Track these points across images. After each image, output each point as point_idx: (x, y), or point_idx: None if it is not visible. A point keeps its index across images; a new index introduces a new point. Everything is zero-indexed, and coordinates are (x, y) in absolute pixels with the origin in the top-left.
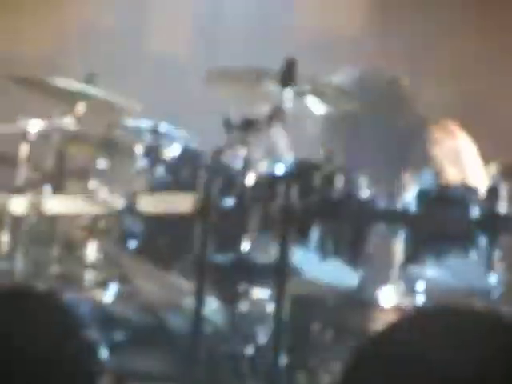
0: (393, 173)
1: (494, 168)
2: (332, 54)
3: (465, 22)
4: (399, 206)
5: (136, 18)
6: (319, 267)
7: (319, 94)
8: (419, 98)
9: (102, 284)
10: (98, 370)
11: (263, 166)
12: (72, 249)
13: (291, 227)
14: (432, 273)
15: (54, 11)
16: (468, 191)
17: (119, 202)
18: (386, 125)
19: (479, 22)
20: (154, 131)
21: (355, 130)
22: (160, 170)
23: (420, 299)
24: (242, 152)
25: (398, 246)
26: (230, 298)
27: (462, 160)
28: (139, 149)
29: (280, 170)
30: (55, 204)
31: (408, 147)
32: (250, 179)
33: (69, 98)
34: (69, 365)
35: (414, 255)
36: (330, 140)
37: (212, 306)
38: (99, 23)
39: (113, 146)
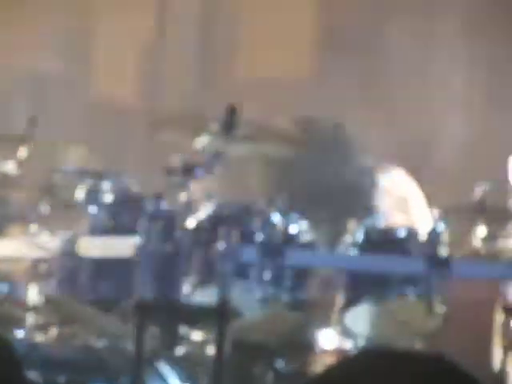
0: (337, 218)
1: (435, 211)
2: (278, 97)
3: (410, 64)
4: (340, 249)
5: (83, 62)
6: (260, 310)
7: (261, 139)
8: (367, 146)
9: (43, 326)
10: None
11: (204, 210)
12: (13, 292)
13: (232, 270)
14: (372, 315)
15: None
16: (409, 234)
17: (60, 246)
18: (333, 171)
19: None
20: (95, 175)
21: (301, 175)
22: (101, 214)
23: (360, 342)
24: (182, 196)
25: (339, 289)
26: (170, 341)
27: (409, 207)
28: (80, 193)
29: (221, 213)
30: None
31: (354, 194)
32: (190, 223)
33: (10, 143)
34: None
35: (354, 298)
36: (274, 184)
37: (152, 347)
38: (45, 67)
39: (54, 190)
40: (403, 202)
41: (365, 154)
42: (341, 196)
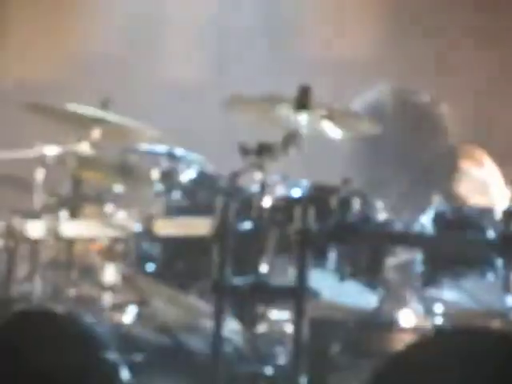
0: (415, 197)
1: (509, 189)
2: (346, 79)
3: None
4: (416, 228)
5: (149, 44)
6: (337, 289)
7: (335, 119)
8: (453, 125)
9: (121, 306)
10: None
11: (280, 190)
12: (90, 272)
13: (309, 250)
14: (450, 295)
15: (67, 38)
16: (484, 213)
17: (136, 226)
18: (416, 151)
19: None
20: (170, 155)
21: (382, 153)
22: (176, 194)
23: (438, 321)
24: (258, 176)
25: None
26: (248, 320)
27: (489, 188)
28: (155, 173)
29: (297, 193)
30: (72, 228)
31: (434, 174)
32: (266, 202)
33: (84, 124)
34: None
35: (431, 277)
36: (351, 163)
37: (231, 327)
38: (113, 50)
39: (128, 171)
40: (482, 183)
41: (450, 136)
42: (421, 176)
